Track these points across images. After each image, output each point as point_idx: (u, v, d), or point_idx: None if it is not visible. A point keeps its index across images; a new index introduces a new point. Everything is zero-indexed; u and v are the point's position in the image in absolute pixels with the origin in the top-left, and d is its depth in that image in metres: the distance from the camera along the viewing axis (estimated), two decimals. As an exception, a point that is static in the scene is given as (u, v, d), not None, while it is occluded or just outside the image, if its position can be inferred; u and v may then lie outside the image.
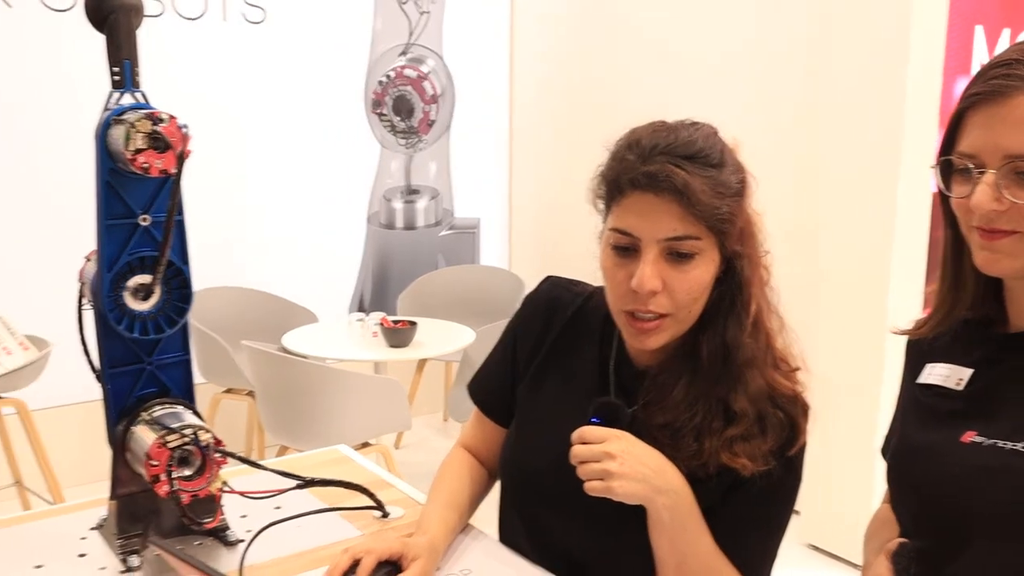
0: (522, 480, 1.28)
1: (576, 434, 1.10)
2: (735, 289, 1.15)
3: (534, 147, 4.46)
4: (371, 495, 1.31)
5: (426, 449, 3.94)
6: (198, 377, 3.48)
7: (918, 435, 1.09)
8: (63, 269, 3.35)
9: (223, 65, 3.68)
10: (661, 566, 1.14)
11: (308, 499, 1.37)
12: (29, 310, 3.15)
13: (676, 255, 1.10)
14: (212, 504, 1.18)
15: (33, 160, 3.34)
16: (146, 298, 1.13)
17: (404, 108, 4.23)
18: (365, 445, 2.95)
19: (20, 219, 3.33)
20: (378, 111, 4.16)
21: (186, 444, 1.11)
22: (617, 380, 1.23)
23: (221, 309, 3.49)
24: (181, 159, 1.02)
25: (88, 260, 1.21)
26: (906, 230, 2.81)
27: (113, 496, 1.22)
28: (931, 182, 2.84)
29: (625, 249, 1.12)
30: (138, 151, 1.03)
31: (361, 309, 4.18)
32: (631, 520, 1.13)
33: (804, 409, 1.17)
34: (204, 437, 1.13)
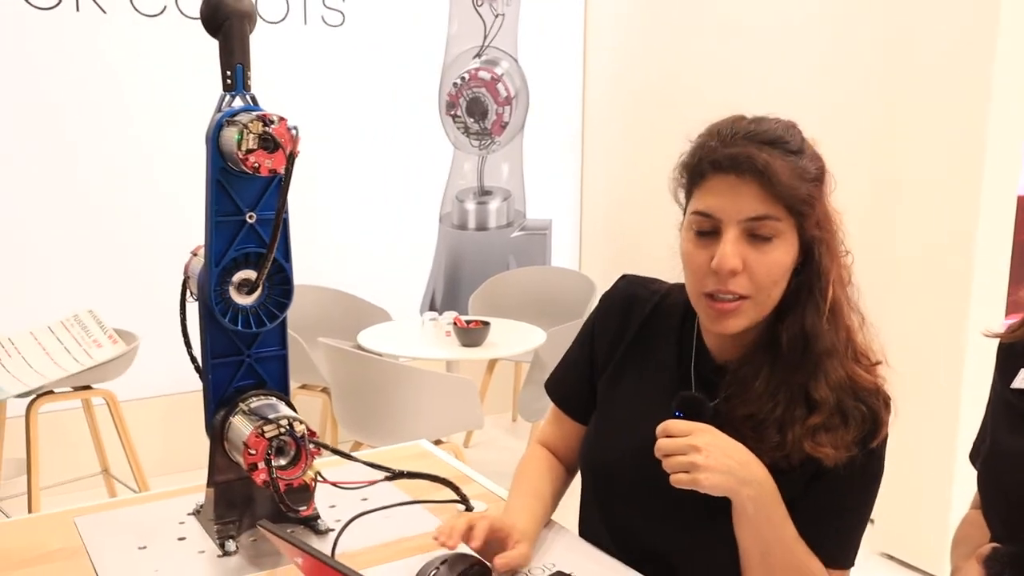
0: (604, 475, 1.29)
1: (661, 427, 1.12)
2: (814, 278, 1.16)
3: (606, 149, 4.47)
4: (456, 489, 1.34)
5: (496, 448, 3.97)
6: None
7: (1010, 440, 1.08)
8: (150, 265, 3.50)
9: (302, 67, 3.76)
10: (746, 557, 1.16)
11: (393, 492, 1.41)
12: (118, 304, 3.28)
13: (756, 236, 1.13)
14: (306, 493, 1.22)
15: (118, 160, 3.46)
16: (250, 292, 1.18)
17: (478, 110, 4.27)
18: (437, 443, 2.99)
19: (108, 217, 3.45)
20: (452, 113, 4.21)
21: (282, 434, 1.16)
22: (697, 374, 1.25)
23: (298, 307, 3.52)
24: (291, 159, 1.06)
25: (194, 255, 1.26)
26: (989, 232, 2.75)
27: (210, 483, 1.27)
28: (1017, 183, 2.79)
29: (706, 232, 1.15)
30: (249, 151, 1.07)
31: (433, 309, 4.23)
32: (714, 513, 1.15)
33: (886, 402, 1.18)
34: (299, 428, 1.17)
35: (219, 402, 1.22)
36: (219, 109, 1.16)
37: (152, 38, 3.46)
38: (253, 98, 1.17)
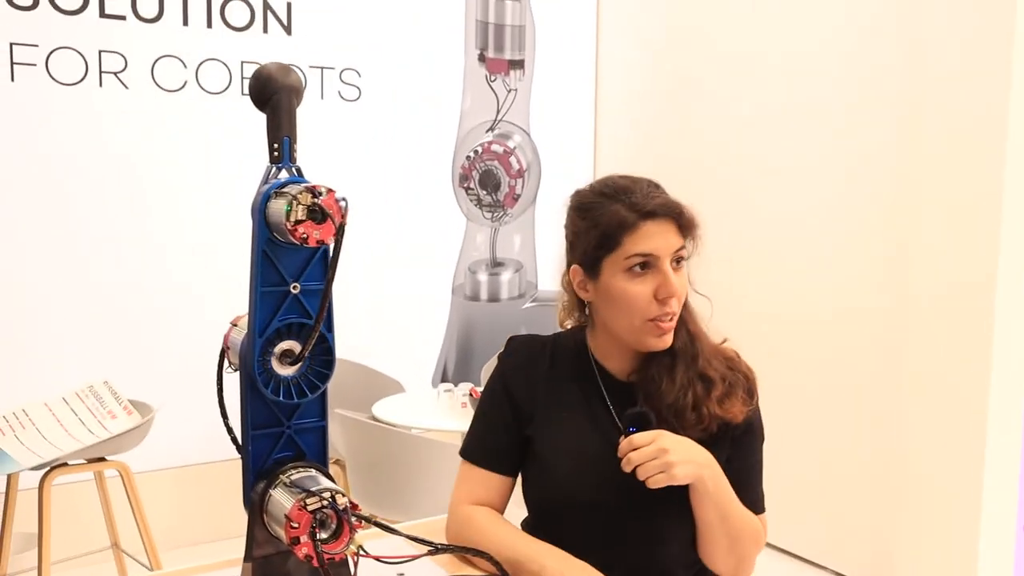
0: (560, 505, 1.47)
1: (626, 443, 1.34)
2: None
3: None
4: (496, 563, 1.32)
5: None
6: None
7: None
8: (165, 335, 3.49)
9: (319, 141, 3.81)
10: (709, 529, 1.40)
11: (431, 567, 1.39)
12: (129, 375, 3.26)
13: (677, 264, 1.42)
14: (346, 568, 1.20)
15: (134, 232, 3.48)
16: (292, 363, 1.17)
17: (491, 182, 4.31)
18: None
19: (124, 287, 3.46)
20: (465, 185, 4.25)
21: (324, 507, 1.14)
22: (611, 396, 1.48)
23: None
24: (341, 231, 1.07)
25: (234, 325, 1.25)
26: (1010, 272, 2.77)
27: (248, 558, 1.24)
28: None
29: (641, 270, 1.40)
30: (298, 222, 1.08)
31: (445, 380, 4.22)
32: (662, 504, 1.39)
33: (744, 364, 1.51)
34: (341, 501, 1.15)
35: (258, 474, 1.21)
36: (265, 181, 1.17)
37: (172, 113, 3.51)
38: (299, 170, 1.18)
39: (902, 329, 3.10)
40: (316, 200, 1.08)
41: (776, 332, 3.53)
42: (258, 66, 1.20)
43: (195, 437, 3.51)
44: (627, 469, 1.33)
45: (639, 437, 1.34)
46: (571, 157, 4.51)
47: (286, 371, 1.18)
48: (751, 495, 1.46)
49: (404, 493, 2.88)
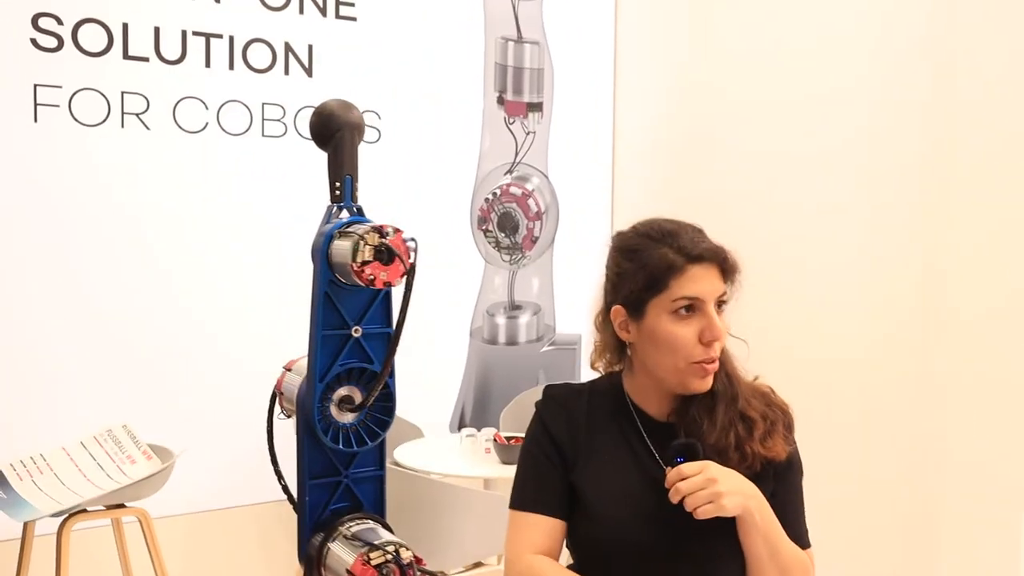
0: (612, 547, 1.45)
1: (674, 473, 1.36)
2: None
3: (635, 264, 4.46)
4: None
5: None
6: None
7: None
8: (183, 378, 3.44)
9: (340, 182, 3.79)
10: (758, 563, 1.40)
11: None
12: (145, 418, 3.20)
13: (719, 306, 1.46)
14: (407, 624, 1.14)
15: (152, 274, 3.44)
16: (353, 410, 1.13)
17: (509, 225, 4.29)
18: (477, 565, 2.89)
19: (140, 328, 3.41)
20: (483, 227, 4.22)
21: (388, 561, 1.09)
22: (651, 436, 1.50)
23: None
24: (412, 272, 1.03)
25: (287, 370, 1.21)
26: None
27: (301, 613, 1.19)
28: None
29: (686, 313, 1.43)
30: (365, 263, 1.04)
31: (462, 424, 4.15)
32: (713, 536, 1.39)
33: (780, 399, 1.54)
34: (405, 555, 1.10)
35: (315, 526, 1.16)
36: (327, 220, 1.13)
37: (193, 154, 3.49)
38: (360, 209, 1.15)
39: (938, 357, 3.05)
40: (384, 240, 1.04)
41: (809, 370, 3.48)
42: (319, 104, 1.17)
43: (211, 482, 3.44)
44: (675, 500, 1.35)
45: (687, 467, 1.36)
46: (589, 200, 4.48)
47: (345, 418, 1.14)
48: (796, 529, 1.48)
49: (429, 540, 2.81)
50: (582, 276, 4.49)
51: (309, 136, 3.65)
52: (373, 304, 1.12)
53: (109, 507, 2.71)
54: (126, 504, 2.73)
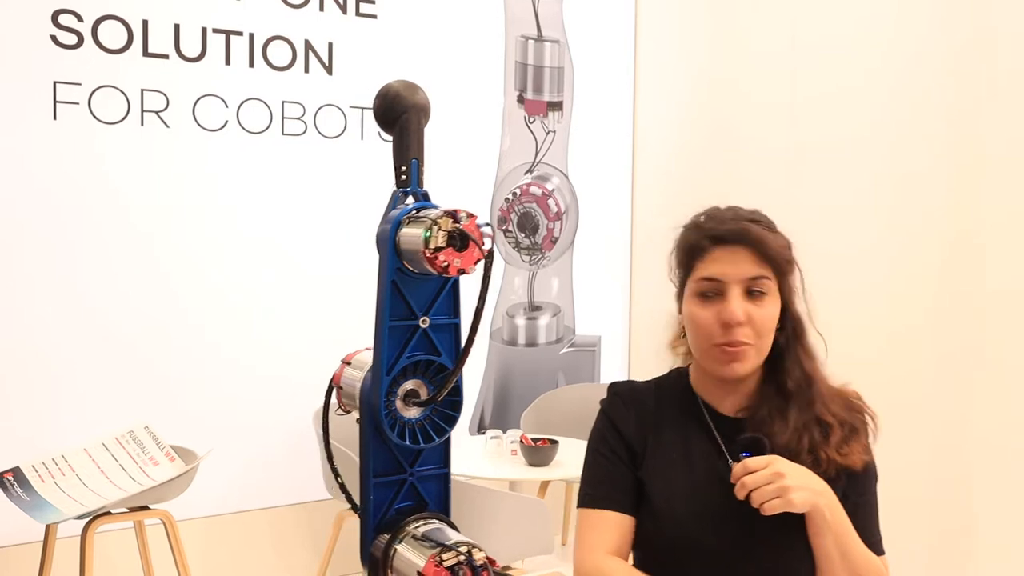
0: (680, 545, 1.40)
1: (740, 467, 1.30)
2: (798, 329, 1.45)
3: (655, 266, 4.41)
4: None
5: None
6: (323, 493, 3.42)
7: None
8: (203, 378, 3.39)
9: (359, 181, 3.74)
10: (829, 562, 1.33)
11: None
12: (169, 418, 3.16)
13: (754, 293, 1.39)
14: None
15: (174, 272, 3.40)
16: (419, 404, 1.08)
17: (529, 225, 4.24)
18: (507, 568, 2.83)
19: (160, 326, 3.37)
20: (503, 227, 4.18)
21: (461, 562, 1.04)
22: (720, 432, 1.44)
23: (347, 424, 3.44)
24: (490, 258, 0.98)
25: (346, 364, 1.16)
26: None
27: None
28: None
29: (711, 295, 1.39)
30: (438, 249, 0.99)
31: (482, 425, 4.10)
32: (786, 532, 1.33)
33: (868, 407, 1.47)
34: (478, 556, 1.05)
35: (379, 526, 1.11)
36: (392, 206, 1.08)
37: (212, 152, 3.45)
38: (426, 195, 1.10)
39: (971, 351, 3.00)
40: (458, 225, 1.00)
41: (837, 366, 3.43)
42: (383, 85, 1.12)
43: (226, 486, 3.39)
44: (741, 495, 1.29)
45: (753, 461, 1.30)
46: (609, 200, 4.44)
47: (410, 413, 1.09)
48: (869, 535, 1.41)
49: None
50: (602, 277, 4.45)
51: (329, 134, 3.66)
52: (441, 294, 1.07)
53: (133, 509, 2.66)
54: (150, 506, 2.68)
